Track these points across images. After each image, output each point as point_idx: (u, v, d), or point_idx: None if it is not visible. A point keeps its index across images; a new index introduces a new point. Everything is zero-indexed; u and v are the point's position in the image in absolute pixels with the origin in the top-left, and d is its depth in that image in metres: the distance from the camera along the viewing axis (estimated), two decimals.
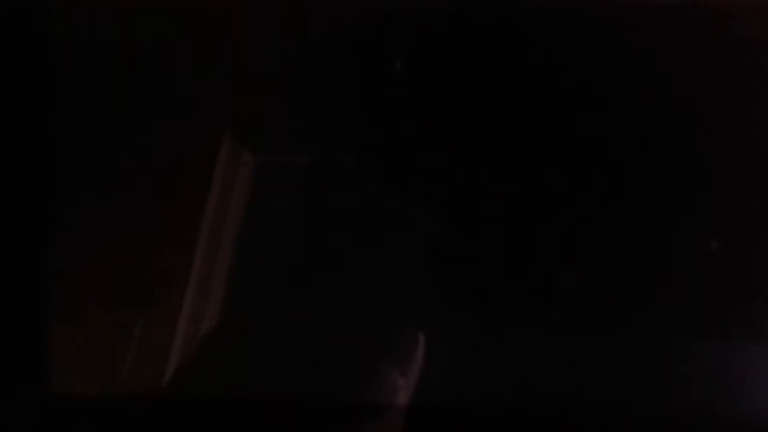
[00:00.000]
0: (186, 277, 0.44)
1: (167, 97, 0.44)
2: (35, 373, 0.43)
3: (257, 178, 0.45)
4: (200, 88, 0.44)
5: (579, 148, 0.43)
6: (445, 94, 0.43)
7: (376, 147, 0.44)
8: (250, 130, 0.45)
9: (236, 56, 0.44)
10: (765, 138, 0.43)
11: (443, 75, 0.43)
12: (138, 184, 0.44)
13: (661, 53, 0.43)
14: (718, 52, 0.42)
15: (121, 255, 0.44)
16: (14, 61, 0.43)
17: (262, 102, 0.45)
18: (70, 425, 0.43)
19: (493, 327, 0.43)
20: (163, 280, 0.44)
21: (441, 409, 0.42)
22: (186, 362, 0.43)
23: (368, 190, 0.44)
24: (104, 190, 0.44)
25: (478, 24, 0.43)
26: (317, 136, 0.45)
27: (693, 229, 0.43)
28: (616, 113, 0.43)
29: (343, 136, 0.44)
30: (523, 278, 0.43)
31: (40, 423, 0.43)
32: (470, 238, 0.43)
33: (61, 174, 0.44)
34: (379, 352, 0.42)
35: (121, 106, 0.44)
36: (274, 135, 0.46)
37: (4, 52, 0.43)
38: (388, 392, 0.42)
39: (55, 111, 0.43)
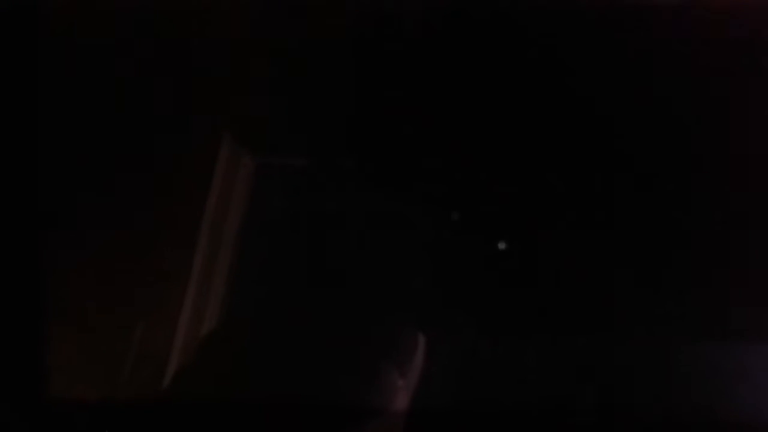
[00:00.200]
0: (186, 278, 0.44)
1: (167, 98, 0.44)
2: (33, 376, 0.42)
3: (257, 180, 0.45)
4: (200, 89, 0.44)
5: (579, 148, 0.43)
6: (445, 94, 0.44)
7: (375, 147, 0.44)
8: (249, 132, 0.45)
9: (236, 57, 0.44)
10: (765, 138, 0.43)
11: (443, 75, 0.43)
12: (138, 185, 0.44)
13: (661, 53, 0.43)
14: (718, 52, 0.43)
15: (121, 255, 0.43)
16: (14, 61, 0.43)
17: (261, 104, 0.45)
18: (68, 429, 0.43)
19: (493, 328, 0.43)
20: (163, 280, 0.44)
21: (440, 411, 0.42)
22: (186, 365, 0.43)
23: (368, 190, 0.44)
24: (104, 190, 0.44)
25: (478, 24, 0.43)
26: (316, 138, 0.45)
27: (693, 229, 0.43)
28: (616, 113, 0.43)
29: (341, 138, 0.44)
30: (523, 279, 0.43)
31: (37, 427, 0.42)
32: (470, 239, 0.43)
33: (61, 174, 0.43)
34: (378, 352, 0.42)
35: (122, 107, 0.44)
36: (273, 137, 0.46)
37: (4, 53, 0.43)
38: (387, 393, 0.42)
39: (56, 111, 0.43)
